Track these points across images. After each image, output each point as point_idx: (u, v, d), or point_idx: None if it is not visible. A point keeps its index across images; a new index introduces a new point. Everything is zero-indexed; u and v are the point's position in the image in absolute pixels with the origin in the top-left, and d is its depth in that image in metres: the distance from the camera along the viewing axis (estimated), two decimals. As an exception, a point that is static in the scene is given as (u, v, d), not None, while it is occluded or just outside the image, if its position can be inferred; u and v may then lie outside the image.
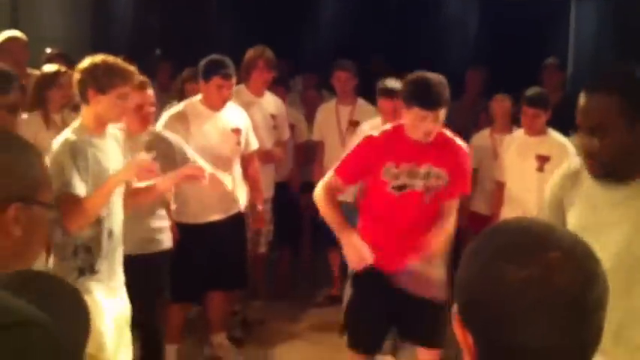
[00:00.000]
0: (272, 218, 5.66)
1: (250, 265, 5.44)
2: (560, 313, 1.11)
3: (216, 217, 4.72)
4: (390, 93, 4.80)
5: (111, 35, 8.36)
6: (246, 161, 4.99)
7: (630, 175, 2.28)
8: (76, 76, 3.44)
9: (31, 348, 0.94)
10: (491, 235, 1.22)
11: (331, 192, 3.71)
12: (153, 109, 4.21)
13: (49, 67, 5.00)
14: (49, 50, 5.90)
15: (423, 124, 3.54)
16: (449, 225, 3.75)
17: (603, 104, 2.21)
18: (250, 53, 5.29)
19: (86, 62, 3.44)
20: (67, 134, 3.41)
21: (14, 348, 0.92)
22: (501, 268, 1.14)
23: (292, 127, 6.03)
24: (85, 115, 3.46)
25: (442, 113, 3.56)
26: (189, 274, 4.62)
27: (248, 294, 5.59)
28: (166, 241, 4.29)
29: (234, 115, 4.84)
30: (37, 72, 5.04)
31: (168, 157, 4.12)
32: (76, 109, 5.02)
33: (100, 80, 3.36)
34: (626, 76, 2.29)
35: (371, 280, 3.71)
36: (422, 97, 3.50)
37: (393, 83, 4.80)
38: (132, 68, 3.47)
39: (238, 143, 4.83)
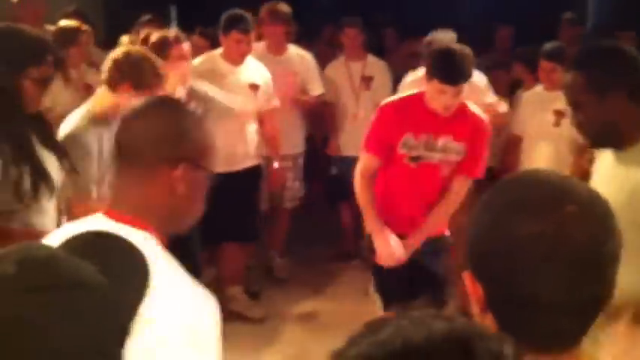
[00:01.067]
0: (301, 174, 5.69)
1: (272, 219, 5.56)
2: (572, 267, 1.11)
3: (229, 168, 4.68)
4: None
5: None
6: (264, 118, 4.98)
7: (621, 143, 2.35)
8: (109, 63, 3.21)
9: (82, 308, 0.97)
10: (505, 188, 1.22)
11: (369, 179, 3.61)
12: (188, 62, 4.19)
13: (67, 23, 4.94)
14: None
15: (442, 98, 3.45)
16: (450, 207, 3.67)
17: (572, 82, 2.35)
18: (260, 10, 5.28)
19: (127, 54, 3.21)
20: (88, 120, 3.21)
21: (66, 308, 0.95)
22: (515, 220, 1.14)
23: None
24: (106, 99, 3.25)
25: (463, 88, 3.46)
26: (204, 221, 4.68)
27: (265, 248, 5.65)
28: None
29: (253, 71, 4.85)
30: (52, 28, 5.00)
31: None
32: (92, 65, 5.00)
33: (140, 77, 3.14)
34: (590, 52, 2.44)
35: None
36: (443, 71, 3.40)
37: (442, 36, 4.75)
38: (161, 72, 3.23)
39: (255, 99, 4.83)
